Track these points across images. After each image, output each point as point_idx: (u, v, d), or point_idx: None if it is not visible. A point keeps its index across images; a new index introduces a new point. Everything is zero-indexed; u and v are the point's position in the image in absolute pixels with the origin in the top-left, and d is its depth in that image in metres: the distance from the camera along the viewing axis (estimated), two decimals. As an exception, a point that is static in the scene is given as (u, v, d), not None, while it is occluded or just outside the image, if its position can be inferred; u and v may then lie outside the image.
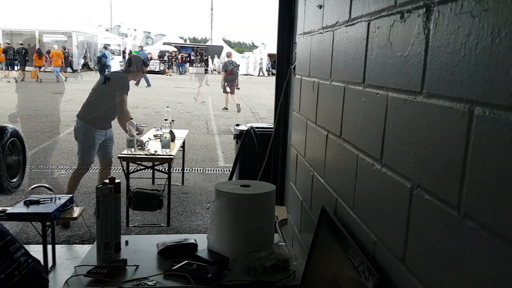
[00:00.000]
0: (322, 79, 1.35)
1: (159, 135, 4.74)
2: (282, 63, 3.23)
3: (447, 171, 0.65)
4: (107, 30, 36.69)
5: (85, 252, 1.64)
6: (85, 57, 29.06)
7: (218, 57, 35.20)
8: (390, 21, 0.85)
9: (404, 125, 0.79)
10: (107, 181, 1.59)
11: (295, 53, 2.17)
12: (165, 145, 4.35)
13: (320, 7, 1.37)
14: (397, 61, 0.82)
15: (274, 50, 3.64)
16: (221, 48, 35.48)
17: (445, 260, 0.65)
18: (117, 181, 1.60)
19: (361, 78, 1.00)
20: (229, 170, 5.20)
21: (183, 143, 5.32)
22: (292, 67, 2.83)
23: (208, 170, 6.55)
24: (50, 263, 3.31)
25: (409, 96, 0.77)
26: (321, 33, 1.36)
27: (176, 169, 5.86)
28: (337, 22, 1.20)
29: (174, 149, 4.54)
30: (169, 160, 4.24)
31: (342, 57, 1.15)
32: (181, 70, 32.07)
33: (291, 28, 3.12)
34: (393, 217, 0.83)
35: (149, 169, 4.78)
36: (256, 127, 3.92)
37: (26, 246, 4.01)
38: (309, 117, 1.51)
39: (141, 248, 1.66)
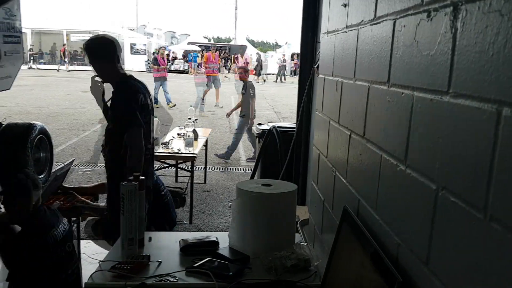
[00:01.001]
0: (346, 78, 1.34)
1: (182, 134, 4.80)
2: (306, 62, 3.21)
3: (473, 173, 0.63)
4: (132, 30, 37.26)
5: (110, 247, 1.67)
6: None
7: (241, 56, 35.30)
8: (417, 19, 0.84)
9: (430, 126, 0.77)
10: (131, 178, 1.62)
11: (319, 52, 2.16)
12: (188, 144, 4.39)
13: (345, 6, 1.36)
14: (423, 60, 0.80)
15: (297, 50, 3.63)
16: (245, 47, 35.57)
17: (470, 263, 0.64)
18: (141, 178, 1.63)
19: (386, 77, 0.99)
20: (251, 169, 5.21)
21: (206, 141, 5.36)
22: (316, 66, 2.82)
23: (230, 169, 6.58)
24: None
25: (435, 96, 0.76)
26: (346, 32, 1.35)
27: (198, 167, 5.91)
28: (362, 20, 1.19)
29: (197, 148, 4.59)
30: (192, 159, 4.28)
31: (367, 56, 1.14)
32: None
33: (314, 27, 3.10)
34: (417, 219, 0.82)
35: (173, 167, 4.84)
36: (278, 127, 3.92)
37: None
38: (332, 116, 1.51)
39: (164, 245, 1.69)
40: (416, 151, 0.83)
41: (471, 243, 0.63)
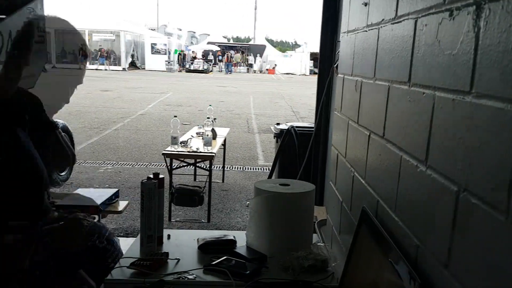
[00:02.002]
0: (366, 78, 1.33)
1: (201, 133, 4.83)
2: (325, 61, 3.20)
3: (495, 174, 0.62)
4: (153, 30, 37.67)
5: (129, 244, 1.70)
6: (132, 56, 30.01)
7: (261, 56, 35.36)
8: (439, 18, 0.82)
9: (452, 126, 0.76)
10: (151, 176, 1.64)
11: (338, 51, 2.14)
12: (207, 143, 4.42)
13: (366, 4, 1.35)
14: (445, 60, 0.79)
15: (316, 49, 3.62)
16: (264, 47, 35.59)
17: (492, 266, 0.63)
18: (160, 176, 1.65)
19: (406, 77, 0.98)
20: (268, 168, 5.21)
21: (224, 141, 5.39)
22: (335, 66, 2.80)
23: (248, 168, 6.60)
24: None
25: (457, 96, 0.74)
26: (366, 31, 1.34)
27: (217, 166, 5.94)
28: (382, 19, 1.17)
29: (216, 147, 4.61)
30: (210, 158, 4.31)
31: (387, 55, 1.13)
32: (227, 69, 32.49)
33: (334, 26, 3.08)
34: (437, 221, 0.81)
35: (191, 166, 4.88)
36: (297, 126, 3.91)
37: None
38: (351, 116, 1.50)
39: (182, 243, 1.70)
40: (437, 152, 0.82)
41: (493, 246, 0.62)
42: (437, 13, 0.83)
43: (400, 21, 1.04)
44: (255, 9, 49.92)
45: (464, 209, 0.71)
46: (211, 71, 31.54)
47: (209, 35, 43.61)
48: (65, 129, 4.79)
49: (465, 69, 0.72)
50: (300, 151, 3.65)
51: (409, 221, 0.95)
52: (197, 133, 4.99)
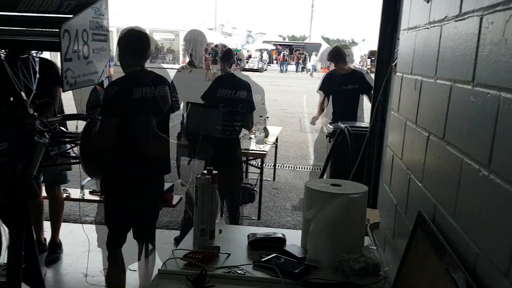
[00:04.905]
0: (426, 77, 1.28)
1: (253, 131, 4.87)
2: (382, 60, 3.11)
3: None
4: (211, 30, 38.45)
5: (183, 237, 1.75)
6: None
7: (316, 55, 35.01)
8: (506, 16, 0.78)
9: (518, 129, 0.72)
10: (205, 172, 1.68)
11: (397, 49, 2.08)
12: (259, 141, 4.45)
13: (428, 1, 1.30)
14: (513, 59, 0.75)
15: (374, 47, 3.53)
16: (319, 45, 35.20)
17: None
18: (214, 172, 1.69)
19: (470, 76, 0.93)
20: (320, 168, 5.16)
21: (276, 139, 5.40)
22: (393, 64, 2.72)
23: (299, 168, 6.57)
24: (150, 245, 3.58)
25: (525, 97, 0.70)
26: (428, 28, 1.29)
27: (268, 164, 5.96)
28: (445, 17, 1.13)
29: (267, 145, 4.63)
30: (262, 156, 4.34)
31: (450, 54, 1.08)
32: (282, 68, 32.59)
33: (394, 23, 2.99)
34: (499, 228, 0.76)
35: (243, 163, 4.93)
36: (351, 126, 3.84)
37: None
38: (408, 117, 1.45)
39: (233, 238, 1.73)
40: (501, 155, 0.78)
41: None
42: (504, 10, 0.79)
43: (464, 18, 0.99)
44: (312, 6, 49.49)
45: (531, 217, 0.67)
46: (266, 69, 31.68)
47: (264, 34, 43.83)
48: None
49: (536, 68, 0.67)
50: (353, 151, 3.58)
51: (468, 228, 0.91)
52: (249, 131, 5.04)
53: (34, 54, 3.08)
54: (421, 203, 1.21)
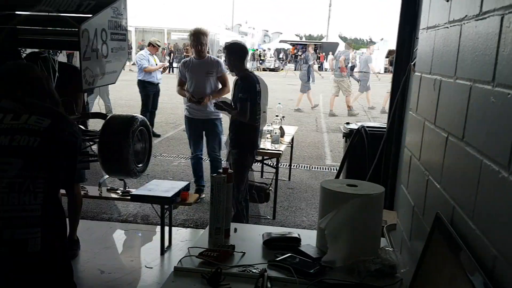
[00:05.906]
0: (445, 76, 1.26)
1: (269, 131, 4.87)
2: (401, 59, 3.08)
3: None
4: (228, 29, 38.54)
5: (198, 235, 1.76)
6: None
7: (333, 54, 34.76)
8: (530, 13, 0.76)
9: (540, 130, 0.70)
10: (221, 170, 1.69)
11: (416, 49, 2.05)
12: (275, 141, 4.45)
13: (448, 0, 1.28)
14: (536, 58, 0.73)
15: (393, 46, 3.49)
16: (337, 44, 34.93)
17: None
18: (229, 171, 1.69)
19: (490, 76, 0.92)
20: (336, 169, 5.13)
21: (292, 139, 5.38)
22: (412, 63, 2.69)
23: (314, 168, 6.54)
24: (166, 243, 3.62)
25: (548, 98, 0.68)
26: (447, 27, 1.27)
27: (283, 164, 5.95)
28: (465, 16, 1.11)
29: (283, 145, 4.62)
30: (277, 155, 4.34)
31: (470, 53, 1.06)
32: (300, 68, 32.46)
33: (413, 22, 2.96)
34: (520, 231, 0.75)
35: (259, 163, 4.94)
36: (367, 126, 3.80)
37: (146, 226, 4.43)
38: (427, 117, 1.43)
39: (248, 237, 1.74)
40: (522, 157, 0.76)
41: None
42: (529, 7, 0.77)
43: (485, 18, 0.97)
44: (330, 6, 49.19)
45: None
46: (282, 69, 31.60)
47: (281, 33, 43.72)
48: (144, 124, 5.07)
49: (559, 68, 0.66)
50: (370, 152, 3.55)
51: (487, 230, 0.89)
52: (266, 131, 5.04)
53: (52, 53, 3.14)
54: (439, 205, 1.19)
